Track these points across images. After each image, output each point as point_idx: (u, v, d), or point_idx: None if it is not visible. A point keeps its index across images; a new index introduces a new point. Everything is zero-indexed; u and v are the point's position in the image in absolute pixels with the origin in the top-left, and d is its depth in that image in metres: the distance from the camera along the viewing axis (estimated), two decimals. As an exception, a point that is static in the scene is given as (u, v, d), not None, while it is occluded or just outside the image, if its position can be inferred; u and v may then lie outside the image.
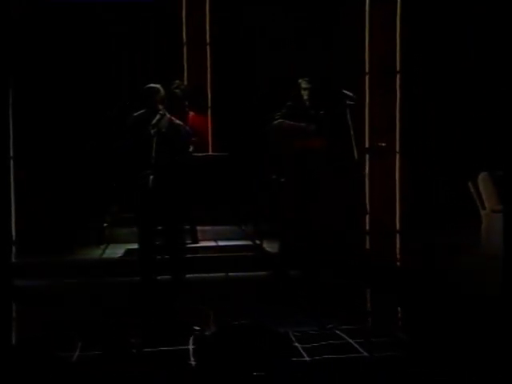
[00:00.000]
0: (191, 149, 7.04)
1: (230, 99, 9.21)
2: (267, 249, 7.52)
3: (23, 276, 7.40)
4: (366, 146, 8.45)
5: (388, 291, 6.81)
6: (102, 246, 8.26)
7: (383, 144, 8.12)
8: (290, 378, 4.50)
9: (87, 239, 8.46)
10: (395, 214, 8.46)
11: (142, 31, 9.23)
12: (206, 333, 5.47)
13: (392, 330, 5.70)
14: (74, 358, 4.99)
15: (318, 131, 6.59)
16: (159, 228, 6.31)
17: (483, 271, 6.34)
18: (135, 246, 6.50)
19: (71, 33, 8.95)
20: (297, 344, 5.19)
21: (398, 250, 8.28)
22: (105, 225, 8.34)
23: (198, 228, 8.35)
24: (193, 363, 4.81)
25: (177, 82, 7.99)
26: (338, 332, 5.51)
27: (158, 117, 6.14)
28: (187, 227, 7.65)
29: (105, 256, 8.06)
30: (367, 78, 8.58)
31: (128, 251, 7.93)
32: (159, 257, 6.31)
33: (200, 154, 7.15)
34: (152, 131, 6.06)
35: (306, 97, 6.64)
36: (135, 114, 6.32)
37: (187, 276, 6.45)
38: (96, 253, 8.18)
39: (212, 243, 8.54)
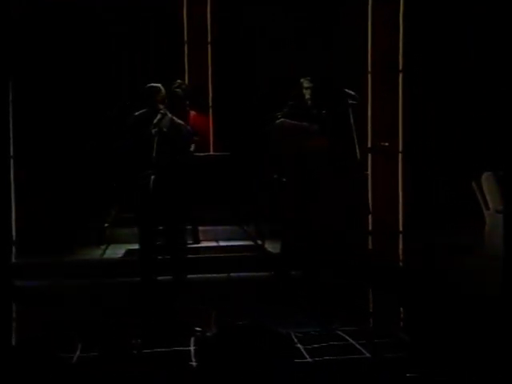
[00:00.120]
0: (192, 148, 7.04)
1: (231, 99, 9.21)
2: (269, 249, 7.52)
3: (23, 276, 7.40)
4: (369, 145, 8.45)
5: (390, 291, 6.79)
6: (103, 247, 8.25)
7: (386, 144, 8.11)
8: (292, 379, 4.48)
9: (88, 239, 8.45)
10: (398, 214, 8.45)
11: (142, 31, 9.24)
12: (208, 334, 5.45)
13: (394, 331, 5.69)
14: (75, 358, 4.97)
15: (320, 131, 6.57)
16: (160, 228, 6.30)
17: (486, 272, 6.31)
18: (136, 246, 6.49)
19: (71, 33, 8.96)
20: (299, 345, 5.18)
21: (400, 251, 8.27)
22: (105, 225, 8.31)
23: (200, 228, 8.37)
24: (194, 364, 4.79)
25: (178, 81, 7.98)
26: (339, 333, 5.49)
27: (159, 116, 6.13)
28: (188, 227, 7.64)
29: (105, 256, 8.05)
30: (369, 76, 8.57)
31: (129, 251, 7.93)
32: (160, 257, 6.30)
33: (201, 154, 7.14)
34: (153, 131, 6.04)
35: (307, 96, 6.61)
36: (136, 114, 6.30)
37: (188, 276, 6.44)
38: (96, 253, 8.17)
39: (213, 243, 8.54)
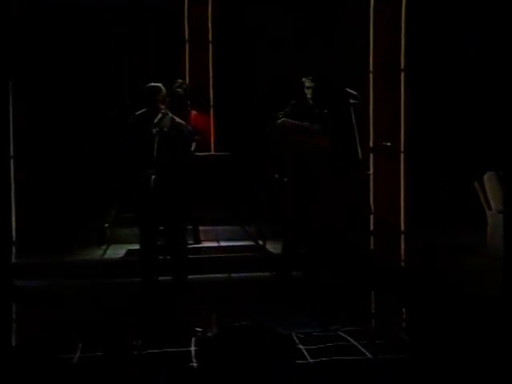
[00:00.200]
0: (193, 148, 7.02)
1: (231, 99, 9.21)
2: (270, 249, 7.50)
3: (23, 276, 7.39)
4: (371, 145, 8.44)
5: (391, 292, 6.77)
6: (103, 247, 8.21)
7: (388, 144, 8.09)
8: (293, 380, 4.47)
9: (88, 239, 8.44)
10: (400, 213, 8.44)
11: (142, 31, 9.25)
12: (208, 334, 5.44)
13: (396, 332, 5.67)
14: (75, 359, 4.95)
15: (321, 130, 6.55)
16: (161, 228, 6.28)
17: (488, 272, 6.30)
18: (136, 246, 6.47)
19: (71, 33, 8.97)
20: (300, 346, 5.17)
21: (402, 251, 8.25)
22: (106, 225, 8.29)
23: (201, 228, 8.36)
24: (195, 365, 4.78)
25: (179, 81, 7.96)
26: (341, 334, 5.48)
27: (159, 116, 6.11)
28: (189, 227, 7.62)
29: (106, 256, 8.00)
30: (371, 76, 8.56)
31: (129, 252, 7.93)
32: (161, 257, 6.28)
33: (202, 154, 7.12)
34: (154, 130, 6.03)
35: (309, 96, 6.59)
36: (137, 113, 6.28)
37: (189, 277, 6.43)
38: (97, 253, 8.14)
39: (214, 244, 8.54)
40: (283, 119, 6.59)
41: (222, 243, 8.53)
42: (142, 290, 6.25)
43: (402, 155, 8.46)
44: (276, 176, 6.53)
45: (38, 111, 8.82)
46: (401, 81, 8.49)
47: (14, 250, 7.94)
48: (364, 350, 5.06)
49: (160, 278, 6.25)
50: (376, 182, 8.40)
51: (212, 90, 9.10)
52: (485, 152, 8.39)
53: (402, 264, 7.90)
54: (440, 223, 8.13)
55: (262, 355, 4.46)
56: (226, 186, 6.68)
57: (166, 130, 6.06)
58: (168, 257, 6.30)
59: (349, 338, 5.35)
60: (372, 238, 8.32)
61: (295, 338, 5.31)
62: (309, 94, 6.61)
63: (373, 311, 6.59)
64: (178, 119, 6.28)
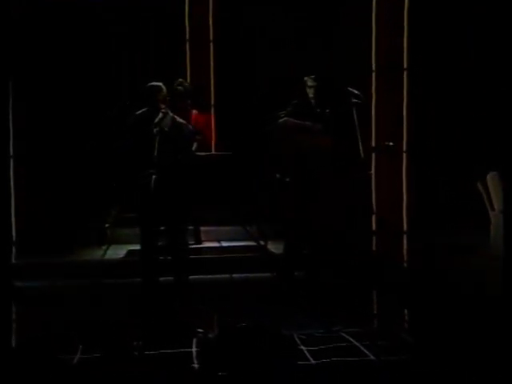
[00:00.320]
0: (194, 147, 6.99)
1: (232, 98, 9.21)
2: (271, 250, 7.48)
3: (23, 277, 7.37)
4: (373, 145, 8.42)
5: (393, 292, 6.75)
6: (104, 247, 8.18)
7: (390, 143, 8.08)
8: (294, 381, 4.45)
9: (88, 240, 8.43)
10: (402, 214, 8.43)
11: (142, 31, 9.26)
12: (210, 335, 5.42)
13: (399, 333, 5.64)
14: (75, 360, 4.94)
15: (323, 130, 6.53)
16: (162, 228, 6.25)
17: (490, 272, 6.29)
18: (137, 246, 6.45)
19: (71, 33, 8.99)
20: (302, 347, 5.14)
21: (404, 251, 8.24)
22: (106, 225, 8.28)
23: (202, 228, 8.35)
24: (196, 366, 4.76)
25: (180, 80, 7.94)
26: (343, 334, 5.46)
27: (160, 115, 6.08)
28: (190, 228, 7.60)
29: (106, 257, 7.97)
30: (373, 75, 8.56)
31: (130, 252, 7.94)
32: (162, 258, 6.25)
33: (203, 154, 7.10)
34: (154, 130, 6.00)
35: (311, 95, 6.58)
36: (137, 113, 6.25)
37: (190, 277, 6.39)
38: (97, 253, 8.11)
39: (215, 244, 8.55)
40: (285, 118, 6.57)
41: (223, 243, 8.54)
42: (143, 290, 6.22)
43: (404, 155, 8.45)
44: (277, 176, 6.51)
45: (38, 111, 8.84)
46: (403, 80, 8.48)
47: (14, 250, 7.93)
48: (366, 352, 5.04)
49: (161, 279, 6.22)
50: (378, 182, 8.39)
51: (213, 90, 9.08)
52: (487, 152, 8.37)
53: (405, 264, 7.88)
54: (442, 223, 8.13)
55: (263, 356, 4.45)
56: (226, 185, 6.66)
57: (166, 129, 6.04)
58: (169, 257, 6.27)
59: (351, 339, 5.33)
60: (374, 238, 8.31)
61: (297, 339, 5.28)
62: (311, 93, 6.59)
63: (375, 312, 6.57)
64: (178, 119, 6.25)
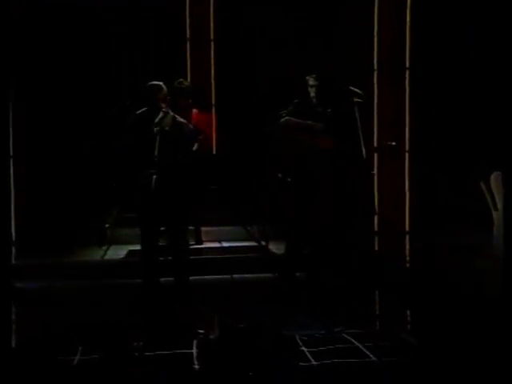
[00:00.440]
0: (195, 148, 6.97)
1: (232, 98, 9.20)
2: (273, 250, 7.46)
3: (23, 277, 7.37)
4: (375, 144, 8.41)
5: (395, 292, 6.73)
6: (104, 247, 8.20)
7: (393, 143, 8.06)
8: (295, 382, 4.43)
9: (88, 240, 8.42)
10: (404, 214, 8.41)
11: (142, 31, 9.26)
12: (210, 336, 5.41)
13: (400, 333, 5.62)
14: (75, 361, 4.92)
15: (325, 129, 6.50)
16: (162, 229, 6.23)
17: (493, 273, 6.26)
18: (137, 247, 6.42)
19: (71, 33, 8.98)
20: (303, 348, 5.12)
21: (407, 251, 8.23)
22: (106, 225, 8.27)
23: (202, 229, 8.35)
24: (196, 367, 4.73)
25: (180, 79, 7.92)
26: (345, 336, 5.44)
27: (161, 115, 6.05)
28: (191, 228, 7.59)
29: (106, 257, 8.00)
30: (375, 74, 8.54)
31: (130, 252, 7.94)
32: (162, 258, 6.23)
33: (203, 153, 7.08)
34: (155, 130, 5.97)
35: (313, 94, 6.56)
36: (137, 112, 6.22)
37: (191, 278, 6.37)
38: (97, 254, 8.12)
39: (216, 244, 8.55)
40: (287, 118, 6.55)
41: (224, 244, 8.54)
42: (143, 291, 6.20)
43: (406, 155, 8.44)
44: (279, 175, 6.49)
45: (37, 111, 8.84)
46: (406, 79, 8.46)
47: (13, 250, 7.91)
48: (368, 353, 5.02)
49: (161, 279, 6.20)
50: (380, 182, 8.38)
51: (214, 89, 9.07)
52: (490, 152, 8.34)
53: (407, 264, 7.86)
54: (443, 223, 8.11)
55: (264, 357, 4.44)
56: (227, 185, 6.64)
57: (167, 129, 6.01)
58: (169, 257, 6.25)
59: (353, 340, 5.31)
60: (376, 238, 8.30)
61: (298, 340, 5.26)
62: (312, 92, 6.57)
63: (376, 313, 6.55)
64: (179, 118, 6.22)
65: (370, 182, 7.78)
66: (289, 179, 6.43)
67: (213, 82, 9.07)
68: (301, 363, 4.76)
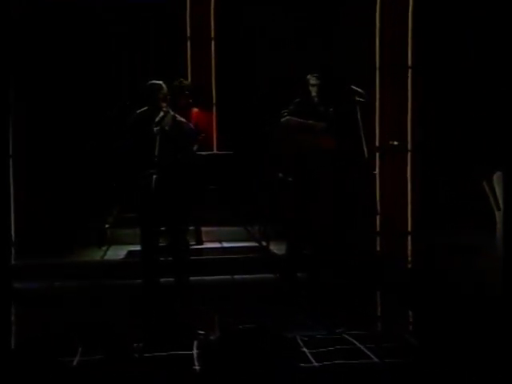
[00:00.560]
0: (196, 147, 6.96)
1: (232, 97, 9.20)
2: (274, 250, 7.45)
3: (23, 278, 7.35)
4: (377, 144, 8.40)
5: (396, 293, 6.72)
6: (104, 248, 8.22)
7: (395, 143, 8.05)
8: (295, 382, 4.41)
9: (88, 240, 8.44)
10: (406, 214, 8.39)
11: (142, 31, 9.27)
12: (211, 337, 5.40)
13: (402, 334, 5.61)
14: (75, 361, 4.90)
15: (326, 129, 6.49)
16: (162, 229, 6.21)
17: (496, 273, 6.24)
18: (138, 247, 6.40)
19: (71, 33, 9.00)
20: (304, 349, 5.11)
21: (409, 251, 8.22)
22: (106, 225, 8.27)
23: (203, 229, 8.34)
24: (197, 368, 4.72)
25: (180, 79, 7.92)
26: (346, 337, 5.42)
27: (161, 114, 6.04)
28: (191, 228, 7.57)
29: (106, 257, 8.04)
30: (377, 73, 8.52)
31: (130, 253, 7.92)
32: (162, 258, 6.21)
33: (204, 153, 7.07)
34: (155, 129, 5.95)
35: (314, 93, 6.55)
36: (138, 112, 6.20)
37: (191, 278, 6.35)
38: (97, 254, 8.15)
39: (217, 245, 8.53)
40: (288, 117, 6.54)
41: (225, 244, 8.53)
42: (143, 291, 6.18)
43: (409, 154, 8.42)
44: (279, 175, 6.48)
45: (38, 111, 8.84)
46: (408, 78, 8.44)
47: (13, 251, 7.90)
48: (370, 354, 5.00)
49: (161, 280, 6.18)
50: (382, 182, 8.36)
51: (214, 88, 9.06)
52: (492, 152, 8.33)
53: (409, 265, 7.85)
54: (445, 223, 8.09)
55: (264, 358, 4.43)
56: (227, 185, 6.63)
57: (167, 128, 5.99)
58: (169, 258, 6.23)
59: (354, 342, 5.29)
60: (378, 238, 8.28)
61: (299, 341, 5.25)
62: (314, 91, 6.57)
63: (377, 313, 6.53)
64: (179, 117, 6.20)
65: (371, 181, 7.76)
66: (289, 179, 6.43)
67: (213, 81, 9.07)
68: (301, 364, 4.75)
